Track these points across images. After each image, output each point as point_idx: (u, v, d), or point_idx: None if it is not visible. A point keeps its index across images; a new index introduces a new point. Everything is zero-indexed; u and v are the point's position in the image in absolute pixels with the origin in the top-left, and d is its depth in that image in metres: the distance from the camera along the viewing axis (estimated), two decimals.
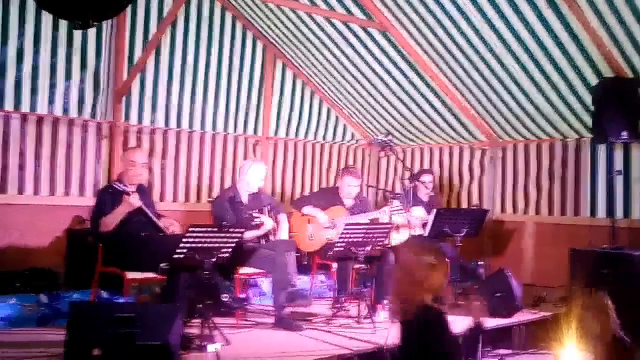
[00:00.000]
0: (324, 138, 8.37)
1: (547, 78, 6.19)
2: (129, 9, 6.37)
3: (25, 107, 5.91)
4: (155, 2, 6.64)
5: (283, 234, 5.58)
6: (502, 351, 5.39)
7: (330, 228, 5.93)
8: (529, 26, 5.68)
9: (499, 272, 5.76)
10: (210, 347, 4.09)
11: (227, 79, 7.33)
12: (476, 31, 6.00)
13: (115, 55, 6.46)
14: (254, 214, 5.36)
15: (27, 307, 4.83)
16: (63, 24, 6.01)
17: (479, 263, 6.64)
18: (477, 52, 6.26)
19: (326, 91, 8.09)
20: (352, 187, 6.03)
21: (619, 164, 6.31)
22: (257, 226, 5.35)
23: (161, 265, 4.40)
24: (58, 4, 3.36)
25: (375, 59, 7.02)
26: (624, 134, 5.77)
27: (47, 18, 5.92)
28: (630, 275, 5.45)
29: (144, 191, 5.04)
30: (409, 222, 4.60)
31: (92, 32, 6.24)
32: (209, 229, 4.29)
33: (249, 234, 5.23)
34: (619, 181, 6.26)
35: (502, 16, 5.70)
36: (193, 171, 7.13)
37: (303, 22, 6.90)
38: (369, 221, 6.05)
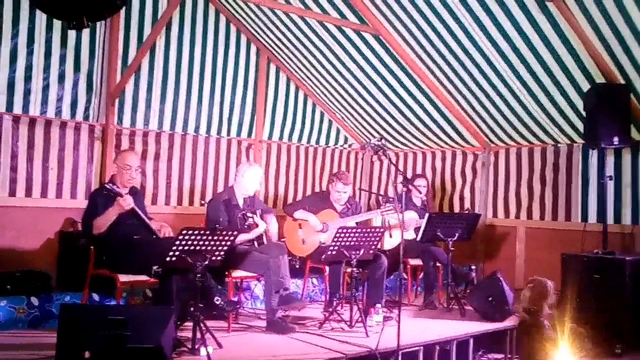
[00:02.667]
0: (317, 142, 8.38)
1: (539, 83, 6.22)
2: (123, 11, 6.36)
3: (17, 109, 5.89)
4: (149, 4, 6.63)
5: (273, 233, 5.58)
6: (494, 355, 5.42)
7: (322, 231, 5.93)
8: (521, 31, 5.71)
9: (492, 276, 5.79)
10: (202, 351, 4.07)
11: (221, 82, 7.33)
12: (469, 36, 6.02)
13: (109, 56, 6.45)
14: (248, 214, 5.36)
15: (18, 310, 4.80)
16: (57, 25, 6.00)
17: (472, 267, 6.66)
18: (470, 57, 6.28)
19: (319, 95, 8.10)
20: (341, 193, 6.04)
21: (610, 170, 6.35)
22: (250, 227, 5.34)
23: (153, 267, 4.39)
24: (52, 3, 3.35)
25: (369, 63, 7.04)
26: (616, 140, 5.80)
27: (41, 18, 5.90)
28: (621, 280, 5.49)
29: (136, 194, 5.03)
30: (401, 223, 4.59)
31: (86, 34, 6.22)
32: (202, 232, 4.28)
33: (242, 237, 5.23)
34: (610, 186, 6.30)
35: (495, 21, 5.72)
36: (186, 174, 7.12)
37: (296, 25, 6.91)
38: (361, 223, 6.07)
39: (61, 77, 6.13)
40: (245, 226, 5.35)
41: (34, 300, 4.91)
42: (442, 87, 6.95)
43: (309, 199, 6.54)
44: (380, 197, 6.30)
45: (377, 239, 5.36)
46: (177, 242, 4.18)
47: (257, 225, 5.38)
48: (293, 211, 6.07)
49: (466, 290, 6.55)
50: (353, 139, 8.69)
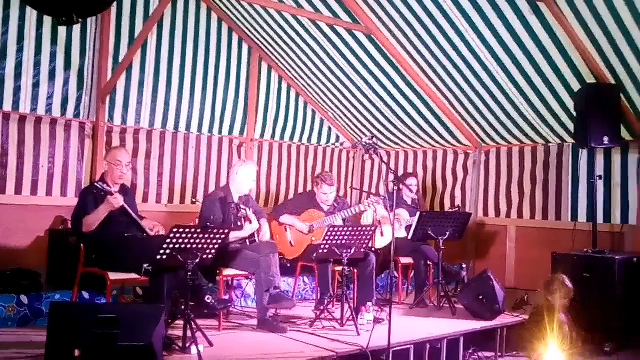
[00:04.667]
0: (309, 140, 8.38)
1: (531, 83, 6.24)
2: (114, 7, 6.34)
3: (7, 106, 5.85)
4: (141, 1, 6.60)
5: (266, 237, 5.58)
6: (484, 354, 5.44)
7: (311, 233, 5.93)
8: (512, 31, 5.73)
9: (482, 275, 5.81)
10: (193, 349, 4.07)
11: (213, 80, 7.32)
12: (461, 36, 6.04)
13: (100, 53, 6.42)
14: (241, 206, 5.34)
15: (8, 308, 4.78)
16: (47, 22, 5.97)
17: (463, 266, 6.68)
18: (461, 56, 6.30)
19: (311, 94, 8.10)
20: (328, 194, 6.03)
21: (600, 169, 6.38)
22: (243, 218, 5.32)
23: (144, 266, 4.36)
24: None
25: (361, 62, 7.04)
26: (606, 140, 5.84)
27: (31, 15, 5.87)
28: (611, 279, 5.52)
29: (127, 192, 5.01)
30: (389, 212, 4.59)
31: (76, 30, 6.20)
32: (193, 230, 4.27)
33: (235, 235, 5.23)
34: (600, 186, 6.33)
35: (487, 22, 5.74)
36: (177, 173, 7.10)
37: (289, 24, 6.91)
38: (349, 220, 6.07)
39: (52, 74, 6.10)
40: (239, 217, 5.33)
41: (24, 299, 4.88)
42: (434, 86, 6.96)
43: (294, 200, 6.52)
44: (371, 196, 6.31)
45: (368, 237, 5.36)
46: (168, 240, 4.17)
47: (250, 221, 5.34)
48: (279, 216, 6.07)
49: (457, 288, 6.57)
50: (344, 138, 8.70)
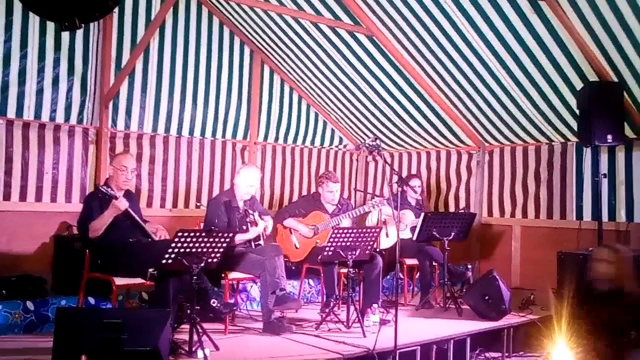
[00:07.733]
0: (312, 143, 8.38)
1: (533, 82, 6.24)
2: (116, 13, 6.36)
3: (11, 113, 5.86)
4: (142, 6, 6.62)
5: (267, 229, 5.59)
6: (491, 354, 5.42)
7: (315, 236, 5.93)
8: (514, 31, 5.73)
9: (488, 275, 5.79)
10: (200, 353, 4.06)
11: (216, 84, 7.33)
12: (463, 36, 6.04)
13: (103, 59, 6.43)
14: (249, 211, 5.36)
15: (14, 315, 4.78)
16: (50, 29, 5.99)
17: (468, 266, 6.67)
18: (463, 56, 6.30)
19: (314, 96, 8.10)
20: (334, 192, 6.04)
21: (604, 167, 6.37)
22: (251, 223, 5.34)
23: (149, 270, 4.37)
24: (44, 5, 3.34)
25: (362, 63, 7.04)
26: (609, 138, 5.83)
27: (34, 22, 5.89)
28: None
29: (131, 197, 5.01)
30: (394, 212, 4.59)
31: (79, 37, 6.21)
32: (197, 234, 4.27)
33: (241, 237, 5.23)
34: (604, 184, 6.32)
35: (489, 21, 5.74)
36: (181, 177, 7.10)
37: (290, 27, 6.92)
38: (354, 221, 6.07)
39: (55, 81, 6.11)
40: (247, 221, 5.35)
41: (30, 305, 4.88)
42: (436, 87, 6.96)
43: (297, 203, 6.52)
44: (375, 197, 6.31)
45: (373, 239, 5.35)
46: (173, 245, 4.17)
47: (256, 224, 5.38)
48: (282, 219, 6.08)
49: (462, 289, 6.56)
50: (348, 140, 8.70)
